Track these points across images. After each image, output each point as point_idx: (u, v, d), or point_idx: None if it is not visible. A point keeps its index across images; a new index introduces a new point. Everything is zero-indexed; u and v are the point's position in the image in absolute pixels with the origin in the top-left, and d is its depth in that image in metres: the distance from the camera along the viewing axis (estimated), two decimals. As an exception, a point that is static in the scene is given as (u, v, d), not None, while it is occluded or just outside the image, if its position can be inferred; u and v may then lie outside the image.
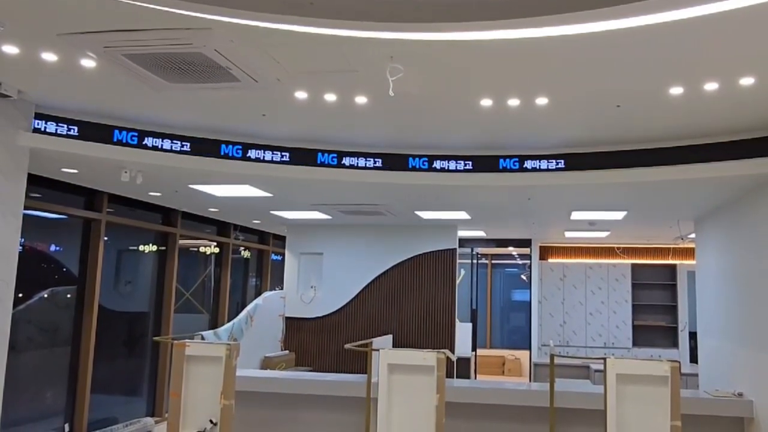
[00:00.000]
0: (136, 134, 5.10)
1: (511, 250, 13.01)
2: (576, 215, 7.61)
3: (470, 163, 5.57)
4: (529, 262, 11.58)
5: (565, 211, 7.31)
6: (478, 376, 11.99)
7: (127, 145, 5.07)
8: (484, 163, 5.55)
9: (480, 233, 10.24)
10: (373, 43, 3.27)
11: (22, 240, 5.00)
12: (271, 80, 3.93)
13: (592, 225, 8.60)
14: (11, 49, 3.64)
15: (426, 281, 9.09)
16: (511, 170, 5.51)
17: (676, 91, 3.92)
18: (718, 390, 5.87)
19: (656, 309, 11.42)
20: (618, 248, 11.61)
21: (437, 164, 5.58)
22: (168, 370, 8.06)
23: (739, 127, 4.72)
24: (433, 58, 3.51)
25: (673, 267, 11.45)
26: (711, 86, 3.83)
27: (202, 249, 9.72)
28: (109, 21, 3.20)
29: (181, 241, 8.74)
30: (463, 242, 10.51)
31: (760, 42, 3.20)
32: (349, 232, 9.28)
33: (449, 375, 7.64)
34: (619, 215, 7.51)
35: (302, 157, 5.48)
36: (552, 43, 3.23)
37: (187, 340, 4.22)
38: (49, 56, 3.71)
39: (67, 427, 6.81)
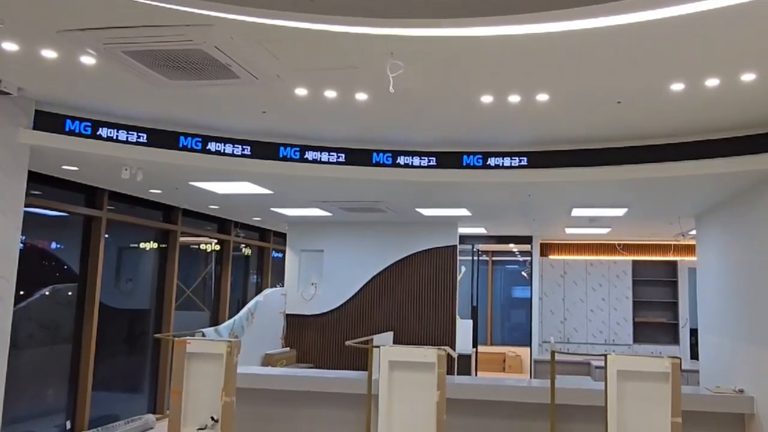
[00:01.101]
0: (135, 132, 5.10)
1: (512, 246, 12.99)
2: (576, 212, 7.60)
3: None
4: (529, 258, 11.58)
5: (565, 207, 7.31)
6: (478, 372, 12.00)
7: (127, 142, 5.07)
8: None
9: (481, 230, 10.24)
10: (373, 39, 3.26)
11: (23, 238, 5.01)
12: (271, 77, 3.92)
13: (592, 222, 8.59)
14: (11, 46, 3.64)
15: (427, 278, 9.09)
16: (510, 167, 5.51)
17: (677, 87, 3.91)
18: (718, 386, 5.87)
19: (657, 306, 11.41)
20: (619, 245, 11.60)
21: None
22: (169, 368, 8.08)
23: (740, 123, 4.71)
24: (432, 54, 3.50)
25: (674, 264, 11.44)
26: (712, 82, 3.82)
27: (202, 246, 9.73)
28: (109, 17, 3.19)
29: (182, 239, 8.75)
30: (463, 239, 10.51)
31: (761, 38, 3.19)
32: (350, 229, 9.28)
33: (450, 372, 7.63)
34: (619, 212, 7.51)
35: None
36: (552, 40, 3.22)
37: (188, 338, 4.22)
38: (48, 53, 3.71)
39: (68, 424, 6.82)
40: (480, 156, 5.53)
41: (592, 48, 3.36)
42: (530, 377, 11.00)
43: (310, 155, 5.52)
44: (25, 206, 4.86)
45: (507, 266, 15.21)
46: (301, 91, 4.21)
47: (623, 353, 4.15)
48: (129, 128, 5.08)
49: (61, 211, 6.75)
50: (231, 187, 6.48)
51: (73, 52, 3.67)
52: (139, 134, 5.11)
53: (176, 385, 4.12)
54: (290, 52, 3.55)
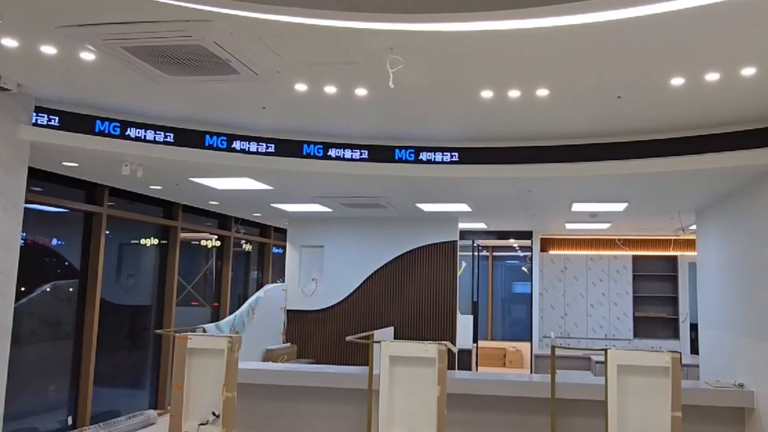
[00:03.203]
0: (134, 127, 5.10)
1: (512, 242, 13.01)
2: (577, 207, 7.60)
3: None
4: (530, 253, 11.59)
5: (566, 202, 7.30)
6: (479, 367, 12.02)
7: (127, 138, 5.07)
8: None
9: (481, 225, 10.24)
10: (372, 34, 3.26)
11: (24, 234, 5.01)
12: (271, 72, 3.92)
13: (593, 217, 8.60)
14: (10, 42, 3.64)
15: (427, 273, 9.09)
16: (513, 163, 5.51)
17: (677, 81, 3.91)
18: (718, 381, 5.88)
19: (657, 300, 11.43)
20: (619, 240, 11.61)
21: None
22: (170, 363, 8.09)
23: (740, 117, 4.71)
24: (431, 48, 3.50)
25: (674, 258, 11.45)
26: (712, 76, 3.82)
27: (203, 242, 9.73)
28: (108, 13, 3.19)
29: (183, 235, 8.75)
30: (464, 234, 10.51)
31: (761, 32, 3.19)
32: (350, 224, 9.28)
33: (450, 367, 7.65)
34: (620, 207, 7.50)
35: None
36: (552, 34, 3.22)
37: (189, 333, 4.23)
38: (48, 49, 3.70)
39: (70, 419, 6.84)
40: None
41: (592, 42, 3.35)
42: (531, 372, 11.02)
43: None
44: (26, 202, 4.87)
45: (507, 261, 15.22)
46: (300, 87, 4.21)
47: (623, 348, 4.15)
48: (129, 124, 5.08)
49: (61, 207, 6.76)
50: (231, 183, 6.48)
51: (72, 47, 3.67)
52: (138, 130, 5.11)
53: (177, 381, 4.13)
54: (290, 48, 3.54)
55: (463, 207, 7.88)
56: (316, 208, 8.31)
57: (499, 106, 4.51)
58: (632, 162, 5.20)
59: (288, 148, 5.47)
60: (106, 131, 5.01)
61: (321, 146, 5.51)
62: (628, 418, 3.92)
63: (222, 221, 9.91)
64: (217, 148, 5.31)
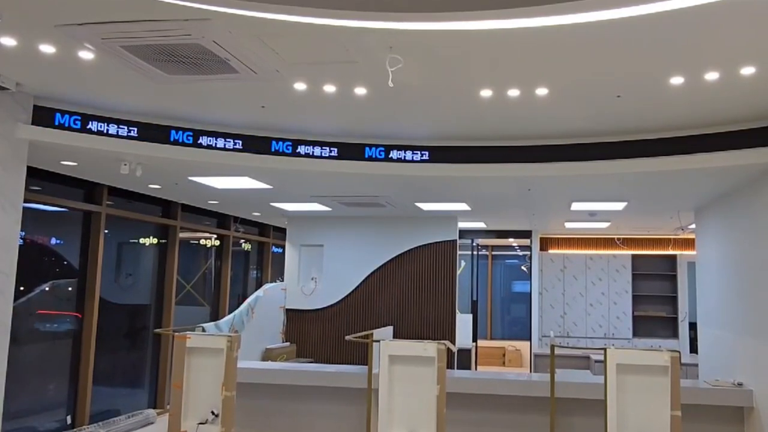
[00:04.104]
0: (135, 127, 5.09)
1: (512, 241, 13.01)
2: (576, 206, 7.60)
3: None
4: (529, 253, 11.59)
5: (565, 201, 7.31)
6: (478, 367, 12.03)
7: (126, 137, 5.06)
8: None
9: (480, 224, 10.24)
10: (371, 33, 3.26)
11: (23, 233, 5.01)
12: (270, 71, 3.91)
13: (592, 216, 8.60)
14: (9, 41, 3.63)
15: (426, 272, 9.09)
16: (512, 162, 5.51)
17: (677, 81, 3.91)
18: (717, 380, 5.89)
19: (656, 300, 11.44)
20: (618, 239, 11.61)
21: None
22: (169, 362, 8.09)
23: (739, 116, 4.71)
24: (428, 47, 3.50)
25: (674, 258, 11.46)
26: (712, 76, 3.82)
27: (202, 241, 9.73)
28: (107, 12, 3.18)
29: (182, 234, 8.75)
30: (463, 233, 10.51)
31: (760, 31, 3.19)
32: (350, 223, 9.28)
33: (450, 366, 7.66)
34: (619, 206, 7.51)
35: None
36: (551, 33, 3.22)
37: (188, 332, 4.23)
38: (47, 48, 3.70)
39: (69, 419, 6.83)
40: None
41: (591, 41, 3.35)
42: (530, 371, 11.03)
43: (302, 149, 5.52)
44: (25, 201, 4.86)
45: (507, 260, 15.22)
46: (300, 86, 4.20)
47: (623, 347, 4.15)
48: (129, 123, 5.07)
49: (60, 206, 6.75)
50: (230, 182, 6.48)
51: (71, 46, 3.67)
52: (138, 129, 5.10)
53: (177, 380, 4.13)
54: (289, 47, 3.54)
55: (463, 206, 7.88)
56: (315, 207, 8.30)
57: (498, 106, 4.51)
58: (632, 161, 5.20)
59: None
60: (106, 131, 5.01)
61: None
62: (627, 417, 3.92)
63: (221, 220, 9.91)
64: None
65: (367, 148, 5.57)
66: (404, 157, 5.58)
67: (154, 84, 4.26)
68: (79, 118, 4.93)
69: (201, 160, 5.33)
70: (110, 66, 3.97)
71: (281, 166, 5.48)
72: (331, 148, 5.55)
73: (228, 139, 5.34)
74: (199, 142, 5.28)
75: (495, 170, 5.53)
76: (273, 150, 5.45)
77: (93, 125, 4.97)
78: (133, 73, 4.04)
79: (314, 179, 6.20)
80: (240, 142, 5.38)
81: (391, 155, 5.58)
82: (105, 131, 5.00)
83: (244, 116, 5.07)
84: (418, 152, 5.59)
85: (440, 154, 5.58)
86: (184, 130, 5.25)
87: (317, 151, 5.53)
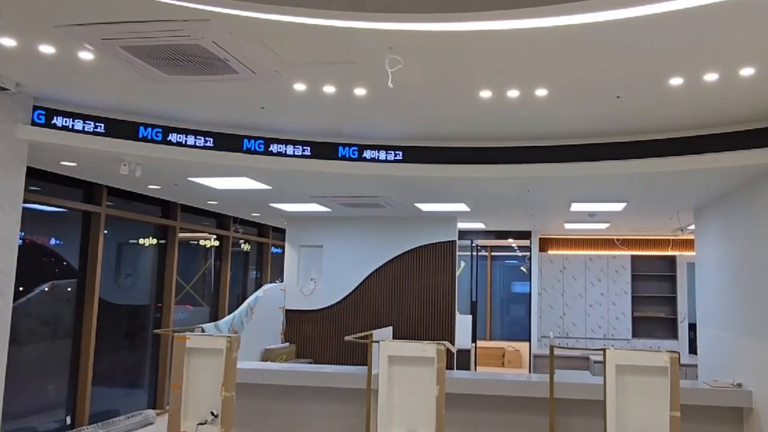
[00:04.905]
0: (134, 127, 5.09)
1: (511, 241, 13.02)
2: (576, 207, 7.60)
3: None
4: (528, 253, 11.59)
5: (564, 202, 7.31)
6: (478, 367, 12.03)
7: (126, 138, 5.06)
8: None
9: (480, 225, 10.24)
10: (371, 33, 3.26)
11: (22, 233, 5.01)
12: (270, 72, 3.92)
13: (591, 216, 8.60)
14: (8, 42, 3.63)
15: (426, 273, 9.10)
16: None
17: (677, 81, 3.91)
18: (717, 380, 5.89)
19: (656, 300, 11.44)
20: (618, 240, 11.62)
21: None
22: (169, 363, 8.09)
23: (739, 117, 4.71)
24: (428, 48, 3.50)
25: (673, 258, 11.46)
26: (711, 77, 3.82)
27: (202, 242, 9.73)
28: (107, 13, 3.18)
29: (181, 234, 8.75)
30: (462, 234, 10.52)
31: (760, 32, 3.19)
32: (349, 224, 9.28)
33: (449, 366, 7.65)
34: (618, 206, 7.51)
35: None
36: (552, 34, 3.22)
37: (187, 333, 4.23)
38: (46, 48, 3.70)
39: (68, 419, 6.83)
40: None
41: (591, 42, 3.35)
42: (529, 372, 11.03)
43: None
44: (24, 202, 4.86)
45: (506, 261, 15.22)
46: (300, 86, 4.21)
47: (622, 348, 4.15)
48: (128, 123, 5.07)
49: (60, 206, 6.75)
50: (229, 182, 6.48)
51: (71, 47, 3.67)
52: (138, 129, 5.10)
53: (176, 380, 4.13)
54: (289, 47, 3.54)
55: (462, 207, 7.88)
56: (314, 208, 8.31)
57: (497, 106, 4.51)
58: (631, 162, 5.21)
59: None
60: (106, 131, 5.01)
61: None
62: (626, 418, 3.92)
63: (220, 221, 9.91)
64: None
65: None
66: (378, 157, 5.58)
67: (152, 84, 4.26)
68: (80, 118, 4.93)
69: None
70: (110, 66, 3.97)
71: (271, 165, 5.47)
72: (304, 147, 5.54)
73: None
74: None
75: (495, 171, 5.54)
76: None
77: (93, 125, 4.97)
78: (132, 73, 4.04)
79: (314, 180, 6.20)
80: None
81: (365, 155, 5.59)
82: (105, 132, 5.00)
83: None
84: (414, 152, 5.60)
85: (441, 155, 5.58)
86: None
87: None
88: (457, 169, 5.58)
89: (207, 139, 5.31)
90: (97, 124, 4.98)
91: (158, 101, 4.74)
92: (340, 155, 5.55)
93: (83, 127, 4.94)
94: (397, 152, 5.61)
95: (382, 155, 5.59)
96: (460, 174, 5.59)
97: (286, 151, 5.48)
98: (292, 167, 5.51)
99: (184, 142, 5.24)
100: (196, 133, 5.29)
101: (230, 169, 5.75)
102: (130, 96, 4.63)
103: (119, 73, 4.08)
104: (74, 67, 4.01)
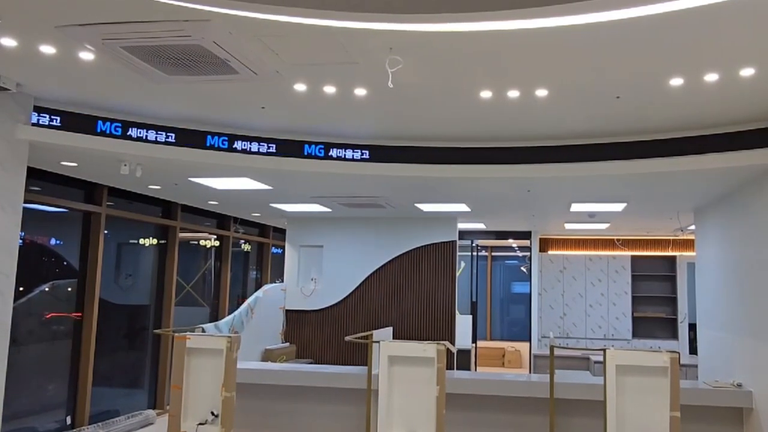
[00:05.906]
0: (135, 127, 5.09)
1: (511, 242, 13.01)
2: (576, 207, 7.60)
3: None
4: (529, 254, 11.59)
5: (564, 203, 7.31)
6: (478, 367, 12.02)
7: (126, 138, 5.06)
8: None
9: (480, 225, 10.24)
10: (372, 34, 3.26)
11: (23, 234, 5.00)
12: (271, 72, 3.92)
13: (592, 217, 8.60)
14: (9, 42, 3.63)
15: (426, 273, 9.10)
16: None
17: (677, 81, 3.91)
18: (717, 381, 5.89)
19: (656, 300, 11.44)
20: (618, 240, 11.62)
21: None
22: (169, 363, 8.09)
23: (739, 118, 4.71)
24: (428, 48, 3.50)
25: (673, 258, 11.46)
26: (711, 77, 3.82)
27: (202, 242, 9.73)
28: (108, 13, 3.19)
29: (182, 234, 8.75)
30: (463, 234, 10.52)
31: (760, 32, 3.19)
32: (349, 224, 9.29)
33: (449, 367, 7.66)
34: (619, 207, 7.51)
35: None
36: (552, 34, 3.22)
37: (188, 333, 4.23)
38: (47, 49, 3.70)
39: (68, 419, 6.83)
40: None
41: (592, 43, 3.36)
42: (529, 372, 11.03)
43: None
44: (25, 202, 4.86)
45: (506, 261, 15.22)
46: (300, 87, 4.21)
47: (622, 348, 4.16)
48: (129, 124, 5.07)
49: (60, 206, 6.75)
50: (230, 183, 6.48)
51: (71, 47, 3.67)
52: (139, 130, 5.11)
53: (176, 381, 4.13)
54: (289, 48, 3.54)
55: (462, 207, 7.88)
56: (315, 208, 8.31)
57: (497, 106, 4.51)
58: (631, 162, 5.21)
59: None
60: (106, 131, 5.01)
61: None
62: (626, 418, 3.92)
63: (221, 221, 9.91)
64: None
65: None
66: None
67: (154, 85, 4.26)
68: (80, 118, 4.93)
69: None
70: (111, 67, 3.97)
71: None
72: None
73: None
74: (196, 143, 5.27)
75: (495, 171, 5.54)
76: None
77: (94, 126, 4.97)
78: (133, 73, 4.04)
79: (314, 180, 6.20)
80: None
81: (365, 155, 5.62)
82: (106, 132, 5.00)
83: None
84: (417, 152, 5.61)
85: (441, 155, 5.59)
86: (189, 131, 5.22)
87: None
88: (457, 170, 5.58)
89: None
90: (98, 124, 4.98)
91: (150, 101, 4.74)
92: (345, 157, 5.57)
93: (84, 127, 4.94)
94: (397, 152, 5.61)
95: (382, 155, 5.60)
96: (461, 174, 5.60)
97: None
98: (292, 167, 5.53)
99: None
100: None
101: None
102: (131, 96, 4.64)
103: (119, 73, 4.08)
104: (75, 68, 4.01)
